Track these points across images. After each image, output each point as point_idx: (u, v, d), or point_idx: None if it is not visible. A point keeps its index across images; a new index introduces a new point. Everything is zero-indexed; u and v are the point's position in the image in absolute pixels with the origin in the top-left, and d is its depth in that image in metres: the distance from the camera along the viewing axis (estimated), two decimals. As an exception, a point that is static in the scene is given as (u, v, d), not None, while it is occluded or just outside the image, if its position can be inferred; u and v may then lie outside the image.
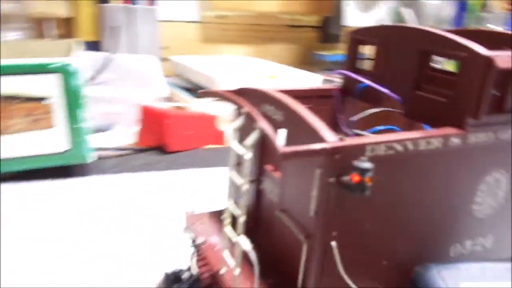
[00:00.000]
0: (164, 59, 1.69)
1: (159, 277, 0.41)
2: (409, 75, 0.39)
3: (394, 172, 0.32)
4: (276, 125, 0.35)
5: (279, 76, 1.30)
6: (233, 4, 1.75)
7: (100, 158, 0.86)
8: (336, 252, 0.31)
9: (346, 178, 0.28)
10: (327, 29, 2.06)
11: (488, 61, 0.32)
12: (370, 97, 0.44)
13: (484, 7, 2.05)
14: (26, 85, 0.67)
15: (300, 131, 0.31)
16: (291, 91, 0.43)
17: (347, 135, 0.46)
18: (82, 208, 0.66)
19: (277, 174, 0.36)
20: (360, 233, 0.33)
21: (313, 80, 1.29)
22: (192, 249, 0.41)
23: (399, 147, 0.31)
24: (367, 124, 0.45)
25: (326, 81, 1.31)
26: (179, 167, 0.83)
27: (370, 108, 0.45)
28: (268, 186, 0.38)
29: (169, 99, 1.22)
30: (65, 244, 0.57)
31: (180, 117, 0.92)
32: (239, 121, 0.33)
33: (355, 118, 0.46)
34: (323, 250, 0.31)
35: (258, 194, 0.40)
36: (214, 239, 0.40)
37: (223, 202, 0.42)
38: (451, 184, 0.36)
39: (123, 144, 0.93)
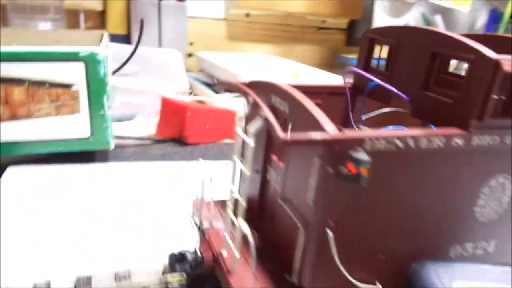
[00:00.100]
0: (189, 55, 1.72)
1: (166, 257, 0.43)
2: (418, 76, 0.40)
3: (395, 168, 0.33)
4: (283, 116, 0.37)
5: (301, 75, 1.30)
6: (260, 4, 1.77)
7: (121, 146, 0.89)
8: (332, 242, 0.32)
9: (342, 168, 0.29)
10: (354, 32, 2.06)
11: (495, 64, 0.33)
12: (380, 96, 0.44)
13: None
14: (54, 72, 0.70)
15: (303, 122, 0.32)
16: (302, 86, 0.45)
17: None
18: (101, 192, 0.69)
19: (281, 164, 0.37)
20: (357, 225, 0.34)
21: (333, 81, 1.29)
22: (198, 233, 0.43)
23: (399, 143, 0.32)
24: (379, 123, 0.46)
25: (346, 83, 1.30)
26: (196, 158, 0.85)
27: (382, 107, 0.46)
28: (273, 176, 0.39)
29: (191, 93, 1.25)
30: (82, 224, 0.59)
31: (199, 111, 0.94)
32: (245, 110, 0.34)
33: (365, 116, 0.47)
34: (319, 238, 0.32)
35: (264, 184, 0.41)
36: (219, 224, 0.41)
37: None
38: (452, 185, 0.36)
39: (143, 134, 0.96)
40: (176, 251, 0.42)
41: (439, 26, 1.99)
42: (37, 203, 0.64)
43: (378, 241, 0.35)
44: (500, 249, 0.42)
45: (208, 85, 1.36)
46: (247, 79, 0.42)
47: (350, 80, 0.50)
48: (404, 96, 0.41)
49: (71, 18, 1.42)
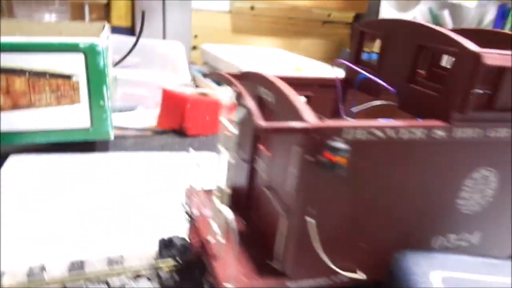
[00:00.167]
0: (194, 47, 1.73)
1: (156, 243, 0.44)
2: (405, 69, 0.40)
3: (377, 158, 0.34)
4: (270, 107, 0.37)
5: (305, 69, 1.31)
6: (265, -4, 1.77)
7: (121, 137, 0.90)
8: (312, 229, 0.33)
9: (321, 157, 0.30)
10: (360, 26, 2.05)
11: (477, 57, 0.33)
12: (369, 89, 0.45)
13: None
14: (54, 63, 0.71)
15: (287, 112, 0.33)
16: (291, 78, 0.45)
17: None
18: (100, 180, 0.71)
19: (267, 153, 0.38)
20: (339, 213, 0.34)
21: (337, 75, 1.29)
22: (188, 220, 0.44)
23: (379, 133, 0.32)
24: (371, 116, 0.46)
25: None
26: (196, 150, 0.85)
27: (373, 100, 0.46)
28: (260, 165, 0.40)
29: (194, 85, 1.26)
30: (80, 211, 0.61)
31: (200, 102, 0.95)
32: (230, 99, 0.35)
33: (356, 108, 0.48)
34: (300, 226, 0.33)
35: (252, 173, 0.42)
36: (208, 212, 0.42)
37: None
38: (435, 176, 0.37)
39: (144, 126, 0.97)
40: (165, 236, 0.43)
41: (447, 21, 1.98)
42: (37, 191, 0.65)
43: (359, 230, 0.36)
44: (486, 242, 0.43)
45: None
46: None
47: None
48: (391, 88, 0.41)
49: (76, 11, 1.44)
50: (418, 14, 2.06)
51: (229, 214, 0.33)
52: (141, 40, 1.12)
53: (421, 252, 0.37)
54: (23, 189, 0.66)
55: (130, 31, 1.56)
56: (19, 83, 0.70)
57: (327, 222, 0.34)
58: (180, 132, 0.95)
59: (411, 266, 0.35)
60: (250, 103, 0.30)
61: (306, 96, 0.47)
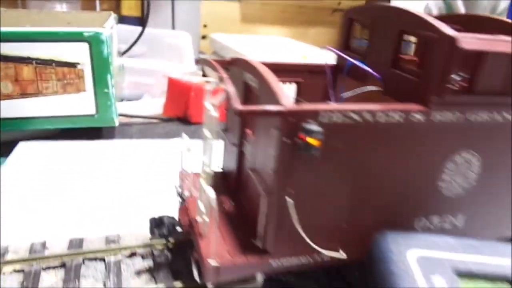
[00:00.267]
0: (203, 37, 1.74)
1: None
2: (389, 54, 0.41)
3: (354, 141, 0.35)
4: (255, 92, 0.39)
5: (312, 57, 1.31)
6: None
7: (127, 124, 0.93)
8: (292, 208, 0.34)
9: (295, 138, 0.31)
10: (371, 15, 2.03)
11: (452, 41, 0.34)
12: (357, 75, 0.46)
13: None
14: (60, 51, 0.74)
15: (267, 96, 0.34)
16: (280, 64, 0.47)
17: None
18: (105, 165, 0.73)
19: (253, 137, 0.40)
20: (318, 194, 0.36)
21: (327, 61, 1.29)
22: (180, 201, 0.46)
23: (355, 117, 0.33)
24: (360, 101, 0.47)
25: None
26: (199, 137, 0.87)
27: (361, 85, 0.47)
28: (247, 148, 0.42)
29: (201, 74, 1.27)
30: (84, 194, 0.63)
31: (204, 91, 0.96)
32: (213, 85, 0.36)
33: (346, 94, 0.49)
34: (280, 205, 0.34)
35: (240, 157, 0.44)
36: (196, 193, 0.44)
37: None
38: (414, 159, 0.37)
39: (150, 113, 0.99)
40: (156, 216, 0.45)
41: (460, 9, 1.95)
42: (44, 176, 0.68)
43: (339, 210, 0.37)
44: (470, 225, 0.44)
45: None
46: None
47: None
48: (376, 74, 0.42)
49: (87, 1, 1.46)
50: (431, 3, 2.03)
51: (211, 193, 0.34)
52: (149, 30, 1.14)
53: (401, 233, 0.38)
54: (31, 173, 0.69)
55: (140, 21, 1.58)
56: (27, 71, 0.73)
57: (307, 202, 0.35)
58: (184, 119, 0.97)
59: (389, 245, 0.36)
60: (230, 87, 0.31)
61: (297, 82, 0.48)
